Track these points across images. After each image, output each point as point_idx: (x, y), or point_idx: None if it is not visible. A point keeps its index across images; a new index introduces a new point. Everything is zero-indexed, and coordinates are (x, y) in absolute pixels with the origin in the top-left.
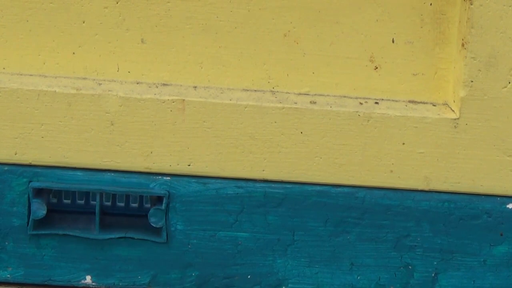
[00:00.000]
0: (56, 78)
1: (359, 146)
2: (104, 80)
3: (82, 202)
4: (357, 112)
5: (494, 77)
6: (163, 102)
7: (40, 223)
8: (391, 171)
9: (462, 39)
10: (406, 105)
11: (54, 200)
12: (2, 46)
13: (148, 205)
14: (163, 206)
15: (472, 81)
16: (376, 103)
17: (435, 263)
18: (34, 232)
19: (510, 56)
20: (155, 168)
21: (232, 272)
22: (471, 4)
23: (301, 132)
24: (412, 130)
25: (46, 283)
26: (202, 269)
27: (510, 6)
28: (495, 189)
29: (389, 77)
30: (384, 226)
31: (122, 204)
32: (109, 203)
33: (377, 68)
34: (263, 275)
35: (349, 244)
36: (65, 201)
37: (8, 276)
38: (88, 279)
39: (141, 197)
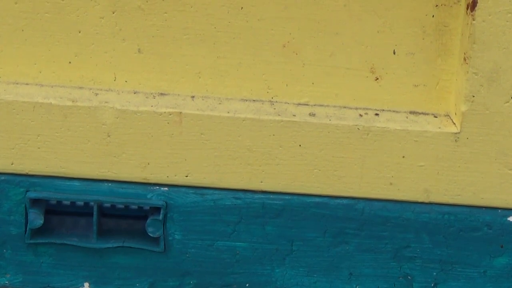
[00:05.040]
0: (52, 87)
1: (358, 158)
2: (101, 90)
3: (82, 203)
4: (356, 125)
5: (496, 92)
6: (160, 115)
7: (38, 231)
8: (391, 183)
9: (464, 54)
10: (407, 117)
11: (54, 202)
12: None
13: (148, 208)
14: (161, 217)
15: (473, 96)
16: (377, 114)
17: (434, 273)
18: (32, 241)
19: None
20: (152, 178)
21: (230, 280)
22: (474, 20)
23: (300, 145)
24: (412, 143)
25: None
26: (200, 277)
27: None
28: (496, 202)
29: (390, 88)
30: (383, 237)
31: (121, 206)
32: (108, 205)
33: (378, 79)
34: (261, 284)
35: (348, 255)
36: (65, 202)
37: (7, 282)
38: (86, 286)
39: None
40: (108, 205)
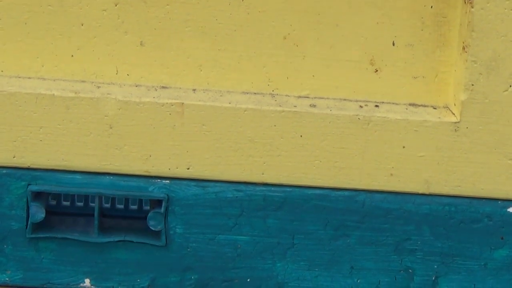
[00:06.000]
0: (54, 81)
1: (359, 149)
2: (103, 83)
3: (81, 204)
4: (357, 115)
5: (495, 81)
6: (162, 106)
7: (39, 226)
8: (391, 174)
9: (463, 43)
10: (406, 108)
11: (53, 202)
12: (0, 49)
13: (148, 207)
14: (162, 210)
15: (473, 85)
16: (376, 106)
17: (435, 266)
18: (33, 236)
19: (511, 59)
20: (154, 171)
21: (232, 275)
22: (472, 8)
23: (301, 136)
24: (413, 133)
25: (45, 286)
26: (201, 272)
27: (511, 10)
28: (496, 193)
29: (390, 80)
30: (384, 229)
31: (121, 206)
32: (108, 205)
33: (377, 71)
34: (262, 278)
35: (349, 248)
36: (64, 203)
37: (7, 279)
38: (87, 282)
39: (140, 199)
40: (108, 205)
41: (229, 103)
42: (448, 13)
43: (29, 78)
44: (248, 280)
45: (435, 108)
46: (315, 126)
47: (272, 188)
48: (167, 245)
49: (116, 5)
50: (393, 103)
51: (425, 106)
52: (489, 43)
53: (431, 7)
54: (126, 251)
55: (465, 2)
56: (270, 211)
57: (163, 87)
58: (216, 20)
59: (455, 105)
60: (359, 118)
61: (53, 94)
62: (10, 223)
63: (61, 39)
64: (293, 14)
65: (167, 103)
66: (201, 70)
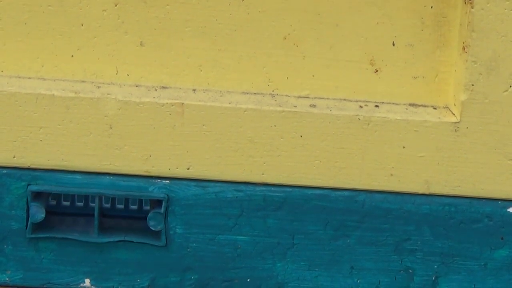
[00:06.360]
0: (54, 81)
1: (359, 149)
2: (103, 83)
3: (81, 204)
4: (357, 115)
5: (495, 81)
6: (162, 106)
7: (39, 226)
8: (391, 174)
9: (463, 43)
10: (406, 109)
11: (53, 203)
12: (0, 49)
13: (148, 207)
14: (162, 210)
15: (473, 85)
16: (377, 106)
17: (435, 266)
18: (33, 236)
19: (511, 59)
20: (154, 171)
21: (232, 275)
22: (472, 8)
23: (301, 136)
24: (413, 133)
25: (45, 286)
26: (201, 272)
27: (511, 10)
28: (496, 193)
29: (390, 80)
30: (384, 229)
31: (121, 206)
32: (108, 205)
33: (377, 71)
34: (262, 278)
35: (349, 248)
36: (64, 203)
37: (7, 279)
38: (87, 282)
39: (140, 199)
40: (108, 205)
41: (229, 103)
42: (448, 13)
43: (29, 78)
44: (248, 280)
45: (435, 108)
46: (315, 126)
47: (272, 188)
48: (167, 245)
49: (116, 5)
50: (393, 103)
51: (425, 106)
52: (489, 43)
53: (431, 7)
54: (126, 251)
55: (465, 2)
56: (270, 211)
57: (163, 87)
58: (216, 20)
59: (455, 105)
60: (359, 118)
61: (53, 94)
62: (10, 223)
63: (61, 39)
64: (293, 14)
65: (167, 103)
66: (201, 70)
